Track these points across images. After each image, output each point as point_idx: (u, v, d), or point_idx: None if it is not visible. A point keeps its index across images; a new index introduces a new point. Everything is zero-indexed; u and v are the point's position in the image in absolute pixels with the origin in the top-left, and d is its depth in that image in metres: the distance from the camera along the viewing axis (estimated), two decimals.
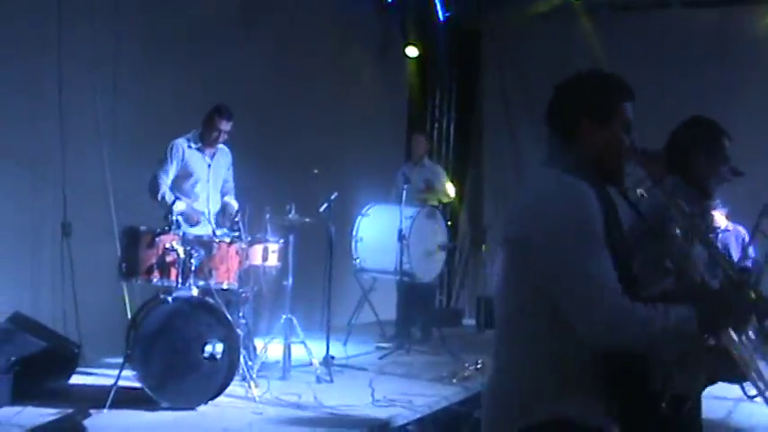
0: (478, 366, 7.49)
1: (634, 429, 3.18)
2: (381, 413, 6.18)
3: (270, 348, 7.40)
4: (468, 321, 11.76)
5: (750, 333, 3.05)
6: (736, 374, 3.30)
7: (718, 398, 3.96)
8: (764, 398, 3.15)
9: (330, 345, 7.75)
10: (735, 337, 2.87)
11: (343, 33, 11.31)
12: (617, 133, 2.79)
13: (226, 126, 7.20)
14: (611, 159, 2.80)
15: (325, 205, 7.77)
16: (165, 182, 7.11)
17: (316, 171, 7.90)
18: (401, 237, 8.79)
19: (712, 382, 3.75)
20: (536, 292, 2.66)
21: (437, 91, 13.40)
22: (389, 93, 12.61)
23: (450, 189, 10.12)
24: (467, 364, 7.58)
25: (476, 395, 6.89)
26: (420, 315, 9.81)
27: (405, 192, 9.00)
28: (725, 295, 2.74)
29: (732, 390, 3.72)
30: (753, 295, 2.68)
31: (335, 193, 7.83)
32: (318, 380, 7.18)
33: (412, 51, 12.33)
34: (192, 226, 6.99)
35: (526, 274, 2.70)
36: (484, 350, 8.62)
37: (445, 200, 10.22)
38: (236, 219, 6.83)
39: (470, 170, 13.43)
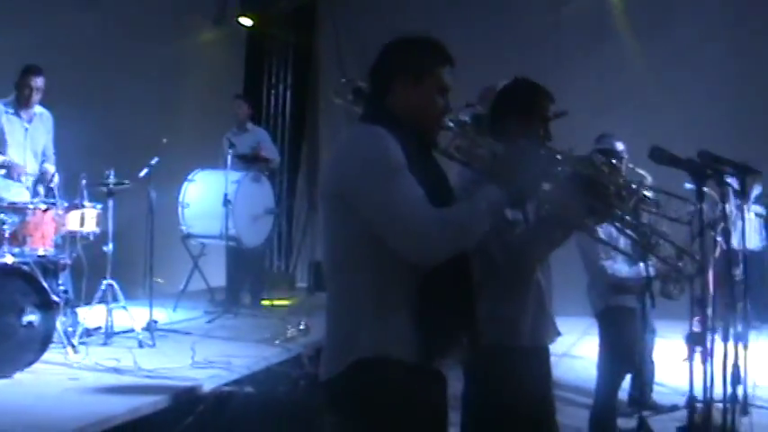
0: (301, 327, 7.62)
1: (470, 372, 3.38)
2: (199, 375, 6.24)
3: (92, 315, 7.32)
4: (302, 285, 11.87)
5: None
6: None
7: None
8: None
9: (160, 311, 7.78)
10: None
11: (179, 1, 11.21)
12: (429, 94, 2.94)
13: (37, 82, 7.18)
14: (423, 119, 2.95)
15: (145, 170, 7.74)
16: None
17: (165, 140, 7.91)
18: (226, 201, 8.82)
19: None
20: (353, 237, 2.84)
21: (273, 59, 13.47)
22: (226, 61, 12.66)
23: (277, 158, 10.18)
24: (289, 326, 7.69)
25: (297, 356, 7.05)
26: (249, 279, 9.86)
27: (230, 157, 9.04)
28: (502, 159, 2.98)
29: (554, 346, 3.91)
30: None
31: (156, 158, 7.79)
32: (141, 345, 7.16)
33: (246, 21, 12.40)
34: (14, 180, 6.92)
35: (343, 221, 2.87)
36: (312, 313, 8.80)
37: (273, 166, 10.26)
38: (51, 185, 6.78)
39: (307, 135, 13.56)
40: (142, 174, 7.72)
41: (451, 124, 3.04)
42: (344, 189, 2.83)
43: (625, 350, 5.81)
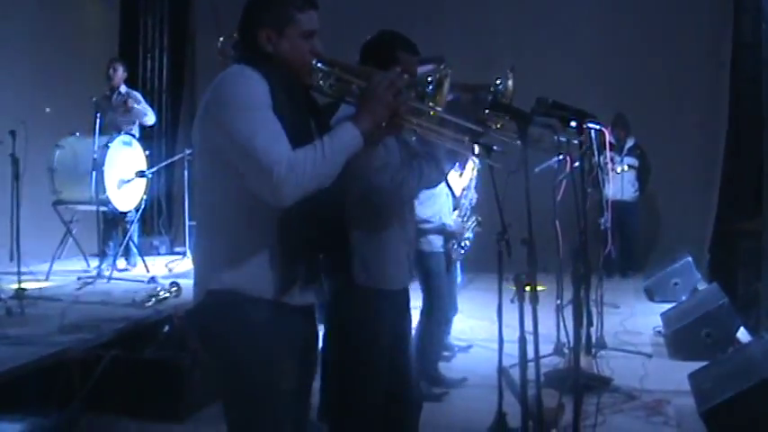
0: (172, 289, 7.60)
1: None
2: (65, 339, 6.19)
3: None
4: (181, 248, 11.73)
5: None
6: None
7: None
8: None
9: (32, 279, 7.70)
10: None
11: None
12: (292, 42, 3.01)
13: None
14: (293, 63, 3.02)
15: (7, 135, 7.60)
16: None
17: (48, 110, 7.77)
18: (95, 166, 8.72)
19: None
20: (215, 176, 2.94)
21: (149, 20, 13.29)
22: (100, 24, 12.44)
23: (151, 114, 10.06)
24: (159, 288, 7.66)
25: (167, 317, 7.03)
26: (123, 243, 9.73)
27: (99, 120, 8.91)
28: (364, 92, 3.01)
29: None
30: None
31: (21, 123, 7.66)
32: (9, 313, 7.07)
33: None
34: None
35: (206, 160, 2.98)
36: (186, 275, 8.79)
37: (149, 122, 10.13)
38: None
39: (185, 97, 13.50)
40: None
41: (320, 64, 3.08)
42: (208, 128, 2.92)
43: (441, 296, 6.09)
